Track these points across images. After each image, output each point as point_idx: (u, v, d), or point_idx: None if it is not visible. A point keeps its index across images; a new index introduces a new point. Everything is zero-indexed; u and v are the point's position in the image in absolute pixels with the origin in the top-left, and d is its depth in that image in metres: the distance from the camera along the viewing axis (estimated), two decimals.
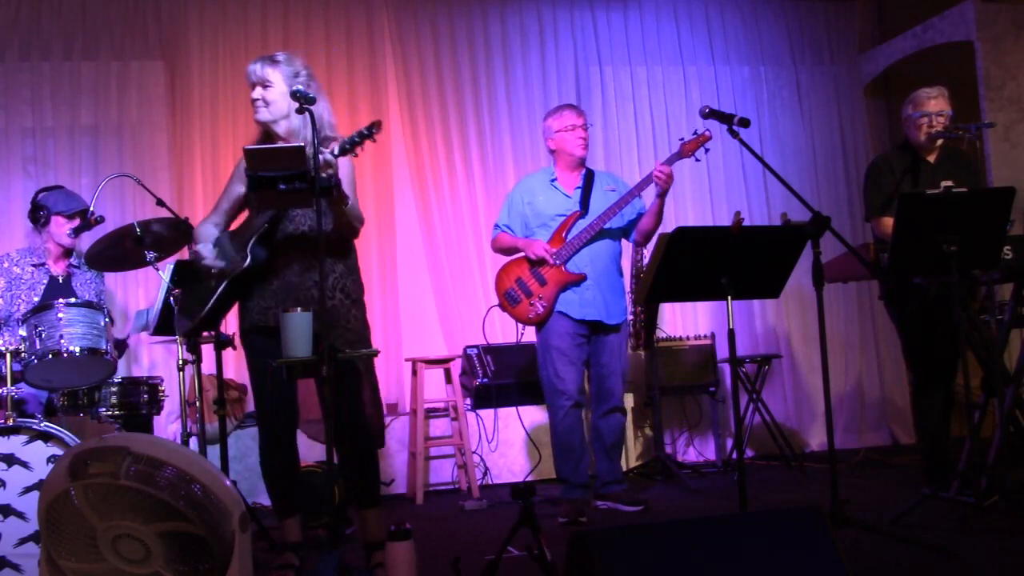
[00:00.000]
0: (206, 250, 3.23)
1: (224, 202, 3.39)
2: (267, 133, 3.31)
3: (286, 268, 3.20)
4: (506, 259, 4.42)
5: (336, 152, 2.96)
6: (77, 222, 4.19)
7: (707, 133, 4.19)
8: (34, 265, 4.22)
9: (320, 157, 2.89)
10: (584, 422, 4.32)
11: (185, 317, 3.42)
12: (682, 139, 4.24)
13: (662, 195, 4.19)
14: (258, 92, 3.24)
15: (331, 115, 3.32)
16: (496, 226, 4.49)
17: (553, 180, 4.38)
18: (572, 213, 4.27)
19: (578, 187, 4.34)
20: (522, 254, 4.32)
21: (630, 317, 5.56)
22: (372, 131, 2.96)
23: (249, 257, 3.11)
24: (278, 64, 3.24)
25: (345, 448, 3.26)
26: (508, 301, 4.32)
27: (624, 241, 4.49)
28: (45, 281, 4.22)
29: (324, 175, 2.89)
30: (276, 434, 3.27)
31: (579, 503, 4.19)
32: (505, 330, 5.78)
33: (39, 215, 4.21)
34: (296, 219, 3.23)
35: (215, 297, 3.15)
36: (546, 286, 4.23)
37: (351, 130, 3.09)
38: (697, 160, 4.24)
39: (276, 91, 3.22)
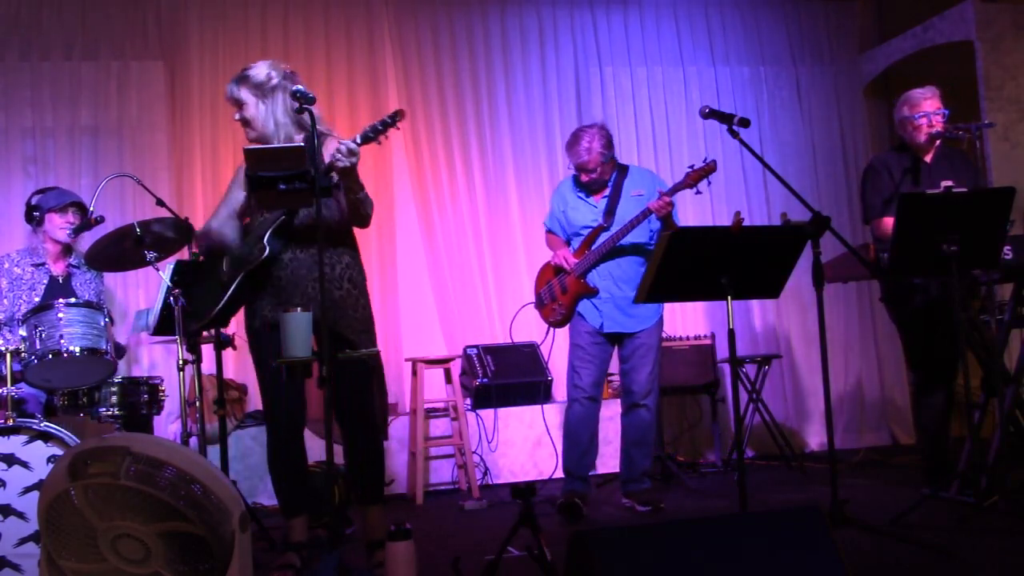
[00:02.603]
0: (215, 222, 3.24)
1: (223, 208, 3.36)
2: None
3: (293, 261, 3.20)
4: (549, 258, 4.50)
5: (359, 140, 2.97)
6: (70, 215, 4.19)
7: (712, 164, 4.08)
8: (34, 265, 4.22)
9: (343, 146, 2.92)
10: (597, 418, 4.34)
11: (194, 316, 3.41)
12: (691, 166, 4.13)
13: (663, 220, 4.13)
14: (238, 115, 3.28)
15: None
16: (545, 225, 4.58)
17: (579, 191, 4.38)
18: (597, 226, 4.28)
19: (605, 196, 4.32)
20: None
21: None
22: (396, 119, 2.99)
23: (268, 248, 3.10)
24: (245, 80, 3.26)
25: (352, 444, 3.26)
26: (538, 302, 4.50)
27: None
28: (45, 281, 4.22)
29: (349, 163, 2.94)
30: (284, 432, 3.27)
31: (576, 493, 4.23)
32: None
33: (33, 216, 4.22)
34: (304, 213, 3.21)
35: (232, 288, 3.14)
36: (566, 294, 4.33)
37: (349, 135, 3.09)
38: (698, 192, 4.11)
39: (251, 108, 3.24)
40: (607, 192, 4.33)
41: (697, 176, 4.07)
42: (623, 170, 4.38)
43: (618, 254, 4.26)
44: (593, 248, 4.26)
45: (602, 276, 4.27)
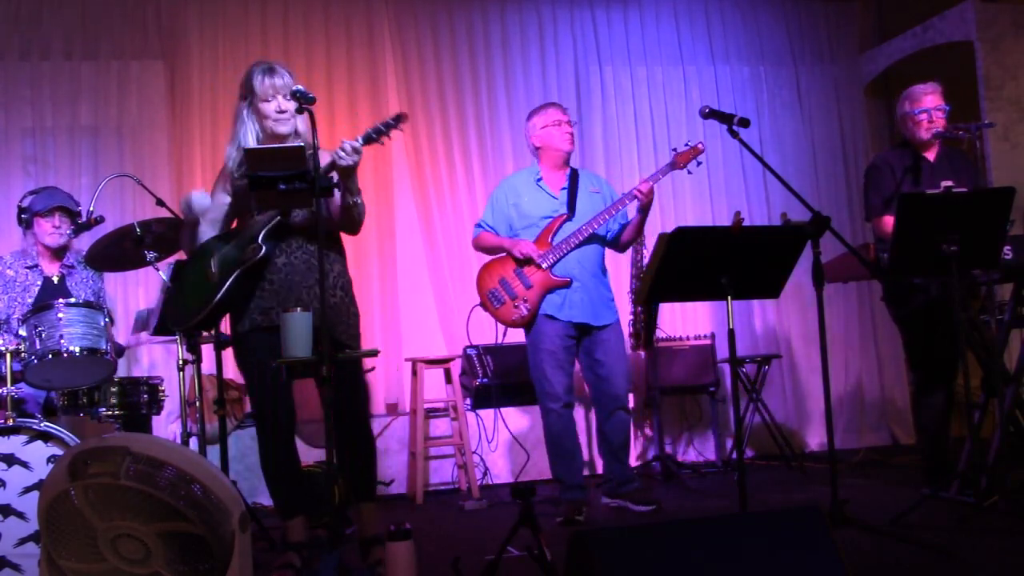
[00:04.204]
0: (197, 193, 3.22)
1: (210, 213, 3.32)
2: (275, 137, 3.29)
3: (287, 266, 3.19)
4: (488, 258, 4.37)
5: (361, 141, 3.00)
6: (56, 219, 4.15)
7: (700, 145, 4.09)
8: (28, 267, 4.21)
9: (347, 144, 2.95)
10: (575, 422, 4.30)
11: (177, 318, 3.39)
12: (675, 149, 4.17)
13: (643, 210, 4.15)
14: (284, 104, 3.20)
15: None
16: (478, 225, 4.44)
17: (539, 180, 4.32)
18: (559, 215, 4.22)
19: (564, 187, 4.28)
20: (504, 254, 4.27)
21: (630, 316, 5.58)
22: (398, 121, 3.02)
23: (264, 248, 3.10)
24: (291, 74, 3.26)
25: (346, 445, 3.26)
26: (491, 302, 4.25)
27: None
28: (39, 283, 4.20)
29: (352, 161, 2.98)
30: (275, 435, 3.26)
31: (576, 503, 4.18)
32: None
33: (22, 218, 4.20)
34: (296, 215, 3.22)
35: (225, 289, 3.10)
36: (531, 289, 4.18)
37: (349, 132, 3.10)
38: (689, 172, 4.18)
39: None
40: (565, 184, 4.29)
41: (685, 157, 4.09)
42: (575, 172, 4.36)
43: (584, 242, 4.19)
44: (562, 237, 4.18)
45: (571, 265, 4.17)
